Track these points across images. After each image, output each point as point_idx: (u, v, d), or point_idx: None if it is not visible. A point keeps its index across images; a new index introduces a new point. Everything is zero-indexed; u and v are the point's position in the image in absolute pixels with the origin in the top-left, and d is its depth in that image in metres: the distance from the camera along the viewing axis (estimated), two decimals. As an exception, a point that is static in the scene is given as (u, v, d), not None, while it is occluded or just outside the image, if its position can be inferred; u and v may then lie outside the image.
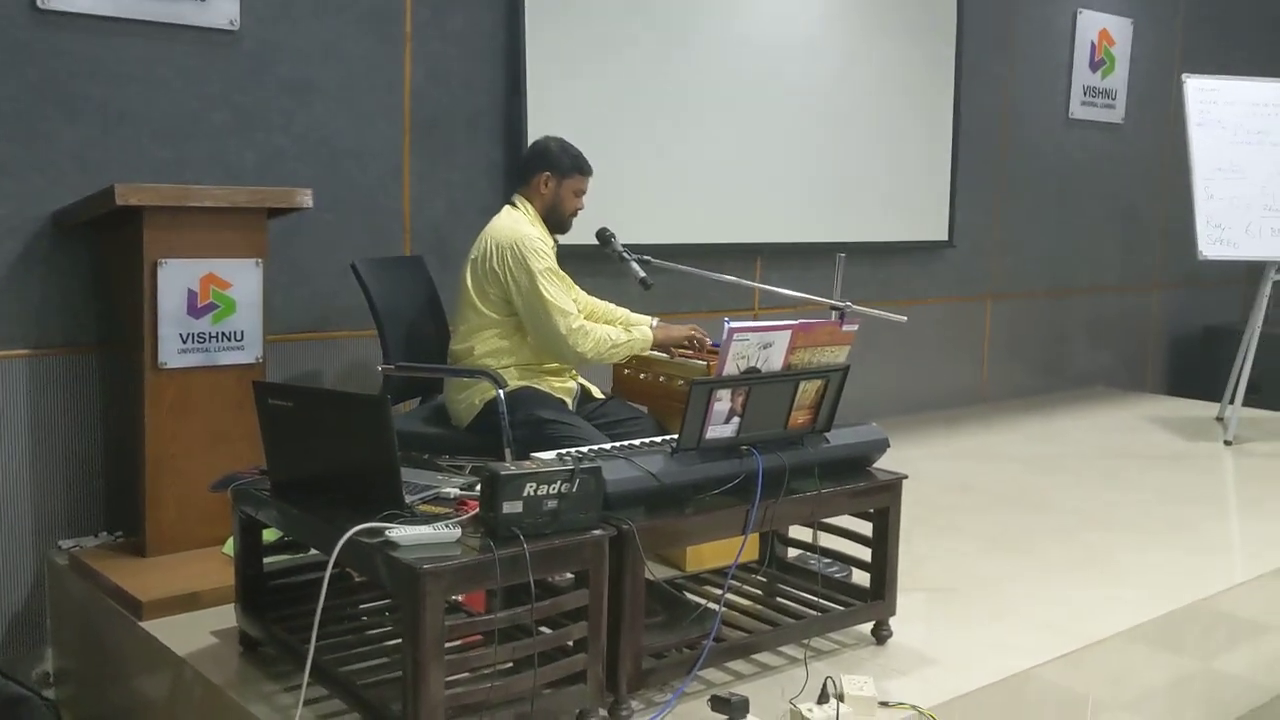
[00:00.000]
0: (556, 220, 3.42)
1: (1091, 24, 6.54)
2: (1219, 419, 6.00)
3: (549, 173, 3.38)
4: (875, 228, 5.56)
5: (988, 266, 6.27)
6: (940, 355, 6.11)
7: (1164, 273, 7.38)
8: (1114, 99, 6.77)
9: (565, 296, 3.28)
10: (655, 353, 3.45)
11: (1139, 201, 7.12)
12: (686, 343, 3.45)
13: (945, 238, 5.89)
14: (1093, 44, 6.57)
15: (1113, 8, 6.66)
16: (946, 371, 6.17)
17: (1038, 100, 6.37)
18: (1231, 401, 5.72)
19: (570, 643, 2.30)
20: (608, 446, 2.63)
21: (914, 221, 5.76)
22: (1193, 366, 7.53)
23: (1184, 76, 5.82)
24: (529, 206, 3.39)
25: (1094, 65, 6.61)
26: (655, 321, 3.61)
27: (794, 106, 5.15)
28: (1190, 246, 5.70)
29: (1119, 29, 6.71)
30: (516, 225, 3.30)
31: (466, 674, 2.23)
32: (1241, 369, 5.69)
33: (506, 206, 3.42)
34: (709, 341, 3.49)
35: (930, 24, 5.67)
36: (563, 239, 3.48)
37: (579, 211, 3.44)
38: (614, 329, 3.34)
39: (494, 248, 3.26)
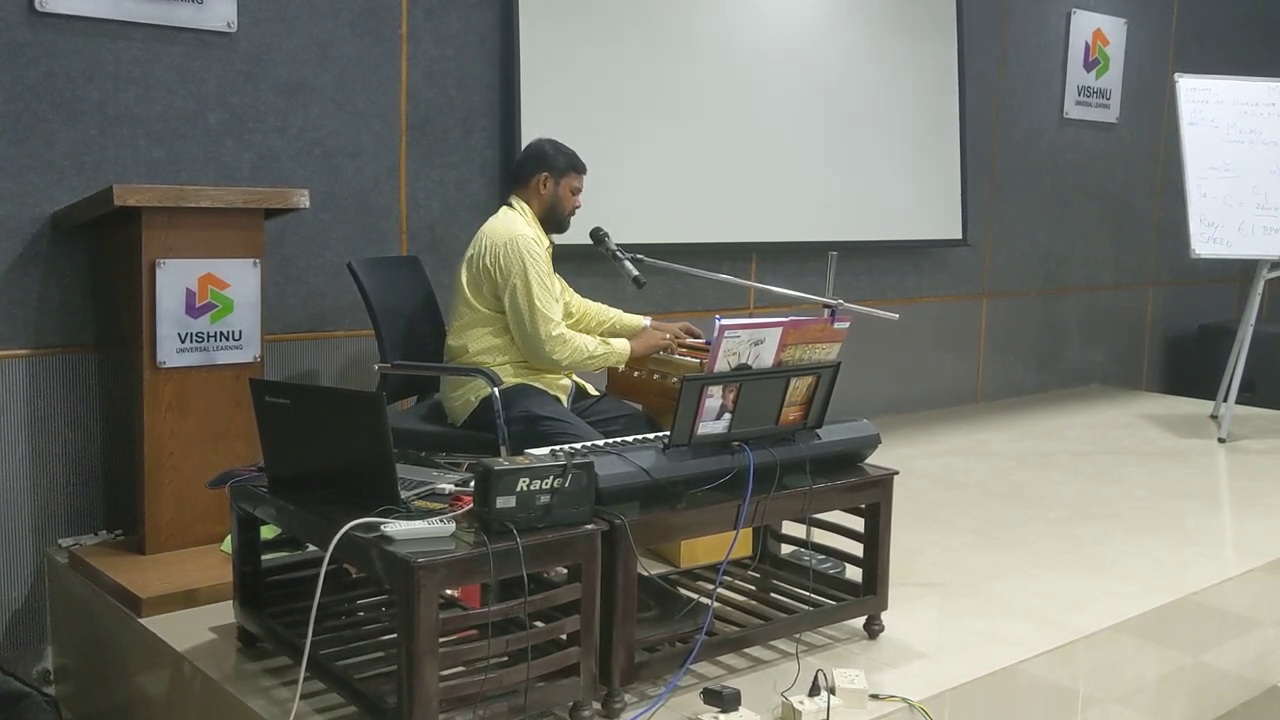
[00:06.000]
0: (556, 220, 3.45)
1: (1085, 24, 6.57)
2: (1213, 417, 6.03)
3: (546, 173, 3.40)
4: (873, 227, 5.57)
5: (983, 265, 6.29)
6: (936, 354, 6.13)
7: (1159, 271, 7.41)
8: (1108, 98, 6.79)
9: (552, 302, 3.30)
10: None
11: (1133, 200, 7.14)
12: (667, 348, 3.46)
13: (959, 236, 5.89)
14: (1087, 44, 6.60)
15: (1106, 8, 6.68)
16: (942, 370, 6.19)
17: (1032, 100, 6.39)
18: (1225, 399, 5.74)
19: (564, 636, 2.33)
20: (601, 443, 2.65)
21: (918, 220, 5.75)
22: (1188, 364, 7.54)
23: (1176, 76, 5.84)
24: (526, 208, 3.42)
25: (1088, 65, 6.63)
26: (649, 321, 3.64)
27: (790, 105, 5.17)
28: (1184, 245, 5.73)
29: (1113, 29, 6.73)
30: (513, 225, 3.33)
31: (461, 667, 2.25)
32: (1235, 367, 5.71)
33: (504, 207, 3.44)
34: (700, 339, 3.52)
35: (931, 23, 5.68)
36: (556, 239, 3.50)
37: (577, 210, 3.47)
38: (593, 340, 3.36)
39: (489, 245, 3.29)
